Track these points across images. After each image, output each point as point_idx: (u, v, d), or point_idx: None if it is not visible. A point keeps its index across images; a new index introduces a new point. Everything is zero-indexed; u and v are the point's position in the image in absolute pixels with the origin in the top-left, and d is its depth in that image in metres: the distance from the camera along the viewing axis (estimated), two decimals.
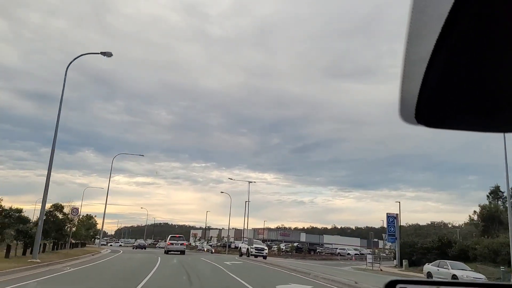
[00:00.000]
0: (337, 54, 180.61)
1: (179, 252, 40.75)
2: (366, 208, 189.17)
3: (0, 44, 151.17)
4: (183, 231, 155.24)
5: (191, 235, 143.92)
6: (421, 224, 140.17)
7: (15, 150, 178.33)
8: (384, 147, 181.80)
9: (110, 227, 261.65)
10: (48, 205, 29.84)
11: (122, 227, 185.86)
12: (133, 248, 67.91)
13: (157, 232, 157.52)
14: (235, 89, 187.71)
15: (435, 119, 0.84)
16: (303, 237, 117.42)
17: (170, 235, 44.96)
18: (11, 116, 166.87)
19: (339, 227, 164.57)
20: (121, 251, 45.64)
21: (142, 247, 70.61)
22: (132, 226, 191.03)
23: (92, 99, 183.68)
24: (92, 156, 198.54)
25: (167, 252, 41.29)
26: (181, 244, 41.95)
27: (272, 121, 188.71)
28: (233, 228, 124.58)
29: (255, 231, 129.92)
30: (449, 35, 0.63)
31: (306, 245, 77.14)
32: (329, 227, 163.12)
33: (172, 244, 41.54)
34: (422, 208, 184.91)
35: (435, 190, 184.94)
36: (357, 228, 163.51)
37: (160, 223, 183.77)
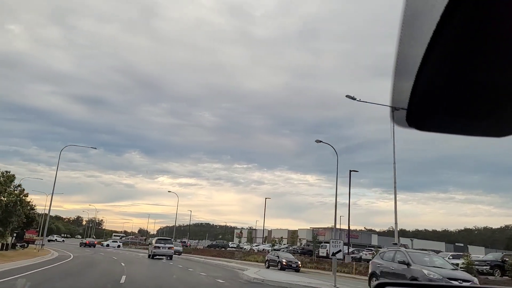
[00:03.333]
0: (383, 53, 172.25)
1: (164, 257, 34.74)
2: (413, 211, 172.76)
3: (55, 52, 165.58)
4: (225, 232, 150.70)
5: (235, 236, 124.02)
6: (494, 227, 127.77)
7: (67, 152, 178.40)
8: (433, 148, 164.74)
9: (151, 227, 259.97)
10: None
11: (164, 226, 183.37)
12: (80, 246, 59.83)
13: (198, 232, 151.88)
14: (278, 90, 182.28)
15: (426, 122, 0.81)
16: (374, 240, 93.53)
17: (156, 238, 40.51)
18: (64, 120, 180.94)
19: (398, 230, 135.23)
20: (71, 257, 28.62)
21: (91, 245, 60.70)
22: (173, 226, 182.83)
23: (139, 103, 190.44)
24: (138, 158, 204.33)
25: (152, 256, 34.87)
26: (169, 248, 35.80)
27: (315, 122, 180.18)
28: (274, 229, 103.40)
29: (314, 231, 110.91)
30: (440, 39, 0.61)
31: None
32: (381, 229, 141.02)
33: (158, 247, 35.28)
34: (472, 212, 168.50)
35: (487, 193, 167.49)
36: (417, 231, 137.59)
37: (202, 223, 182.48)
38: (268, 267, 30.56)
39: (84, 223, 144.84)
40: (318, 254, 41.52)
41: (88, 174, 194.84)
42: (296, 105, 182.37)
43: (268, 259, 32.25)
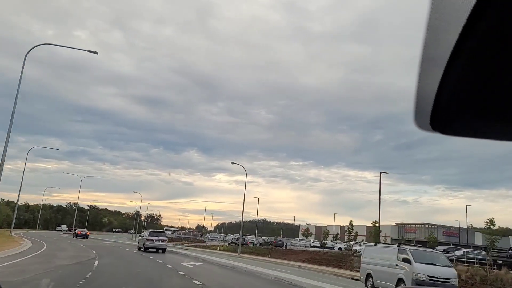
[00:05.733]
0: None
1: (155, 250, 32.21)
2: (480, 209, 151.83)
3: (118, 55, 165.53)
4: (281, 227, 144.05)
5: (300, 232, 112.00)
6: None
7: (129, 151, 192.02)
8: (501, 142, 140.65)
9: (209, 223, 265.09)
10: None
11: (221, 223, 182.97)
12: (73, 237, 58.23)
13: (255, 228, 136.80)
14: (335, 86, 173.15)
15: (452, 126, 0.78)
16: (478, 239, 75.99)
17: (149, 230, 36.93)
18: (126, 120, 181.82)
19: (480, 227, 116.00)
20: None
21: (83, 236, 57.89)
22: (230, 223, 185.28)
23: (196, 102, 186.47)
24: (196, 156, 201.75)
25: (145, 249, 32.02)
26: (162, 240, 32.94)
27: (374, 117, 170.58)
28: (324, 225, 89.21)
29: (400, 227, 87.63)
30: (466, 41, 0.59)
31: None
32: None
33: (151, 240, 32.40)
34: None
35: None
36: (507, 229, 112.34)
37: (258, 220, 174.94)
38: None
39: (142, 218, 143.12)
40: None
41: (149, 173, 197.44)
42: (354, 100, 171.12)
43: None
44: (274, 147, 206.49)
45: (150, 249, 32.12)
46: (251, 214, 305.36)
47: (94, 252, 25.16)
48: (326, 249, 46.09)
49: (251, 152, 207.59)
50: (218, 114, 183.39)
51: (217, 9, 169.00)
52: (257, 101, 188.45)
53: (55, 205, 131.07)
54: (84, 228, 73.59)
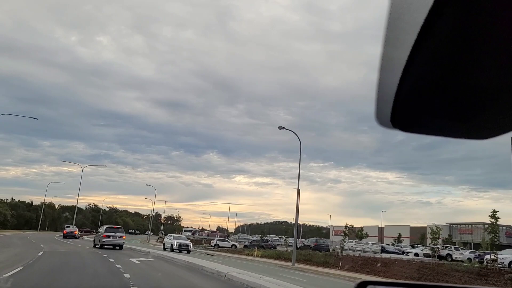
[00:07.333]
0: None
1: (112, 247, 30.34)
2: (506, 210, 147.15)
3: (140, 59, 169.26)
4: (304, 230, 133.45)
5: (331, 234, 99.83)
6: None
7: (150, 154, 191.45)
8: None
9: (230, 225, 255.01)
10: None
11: (241, 224, 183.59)
12: (63, 237, 52.09)
13: (276, 230, 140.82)
14: (356, 86, 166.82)
15: (411, 123, 0.80)
16: None
17: (106, 226, 33.58)
18: (147, 124, 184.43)
19: None
20: None
21: (69, 235, 52.24)
22: (251, 224, 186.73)
23: (216, 104, 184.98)
24: (216, 158, 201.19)
25: (101, 246, 30.27)
26: (120, 237, 31.08)
27: None
28: (388, 225, 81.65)
29: (452, 228, 75.90)
30: (424, 41, 0.59)
31: None
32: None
33: (108, 236, 30.50)
34: None
35: None
36: None
37: (280, 222, 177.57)
38: None
39: (162, 220, 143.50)
40: None
41: (169, 175, 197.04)
42: (375, 100, 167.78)
43: None
44: (293, 148, 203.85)
45: (106, 246, 30.21)
46: (271, 216, 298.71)
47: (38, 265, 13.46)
48: (386, 253, 34.48)
49: (270, 153, 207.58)
50: (237, 116, 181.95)
51: (236, 12, 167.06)
52: (277, 102, 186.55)
53: (70, 206, 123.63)
54: (74, 227, 63.57)
